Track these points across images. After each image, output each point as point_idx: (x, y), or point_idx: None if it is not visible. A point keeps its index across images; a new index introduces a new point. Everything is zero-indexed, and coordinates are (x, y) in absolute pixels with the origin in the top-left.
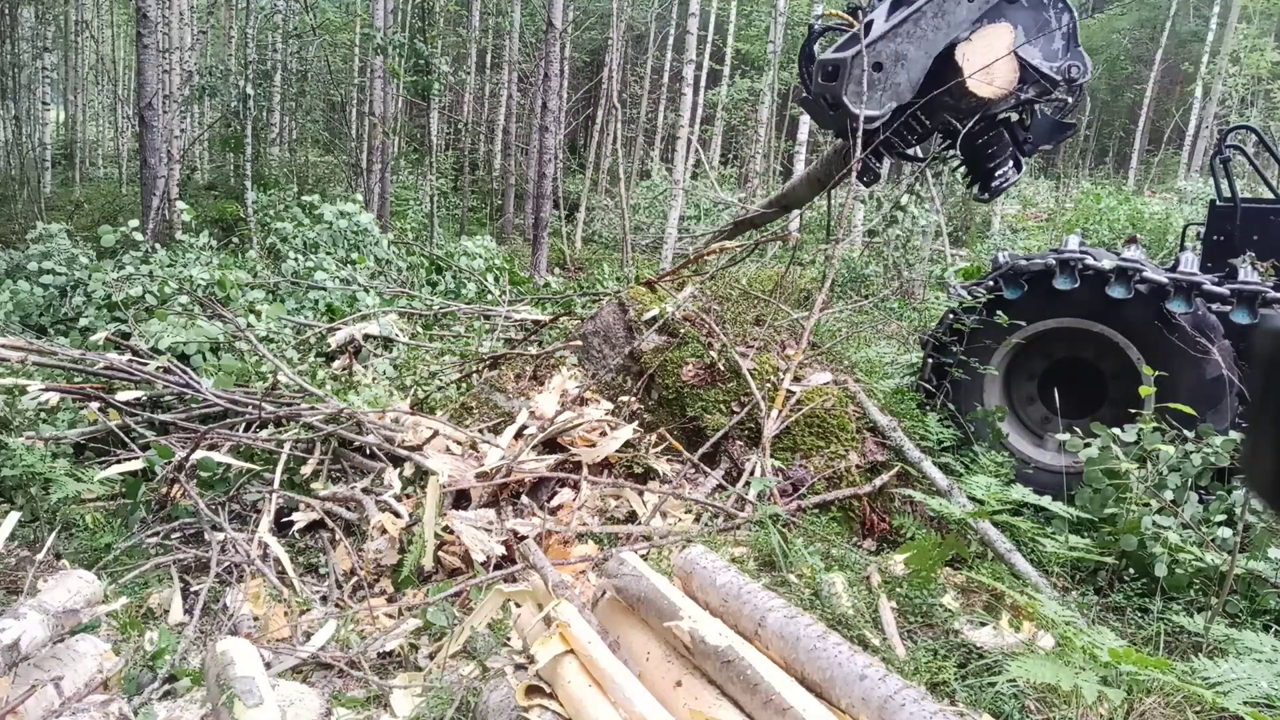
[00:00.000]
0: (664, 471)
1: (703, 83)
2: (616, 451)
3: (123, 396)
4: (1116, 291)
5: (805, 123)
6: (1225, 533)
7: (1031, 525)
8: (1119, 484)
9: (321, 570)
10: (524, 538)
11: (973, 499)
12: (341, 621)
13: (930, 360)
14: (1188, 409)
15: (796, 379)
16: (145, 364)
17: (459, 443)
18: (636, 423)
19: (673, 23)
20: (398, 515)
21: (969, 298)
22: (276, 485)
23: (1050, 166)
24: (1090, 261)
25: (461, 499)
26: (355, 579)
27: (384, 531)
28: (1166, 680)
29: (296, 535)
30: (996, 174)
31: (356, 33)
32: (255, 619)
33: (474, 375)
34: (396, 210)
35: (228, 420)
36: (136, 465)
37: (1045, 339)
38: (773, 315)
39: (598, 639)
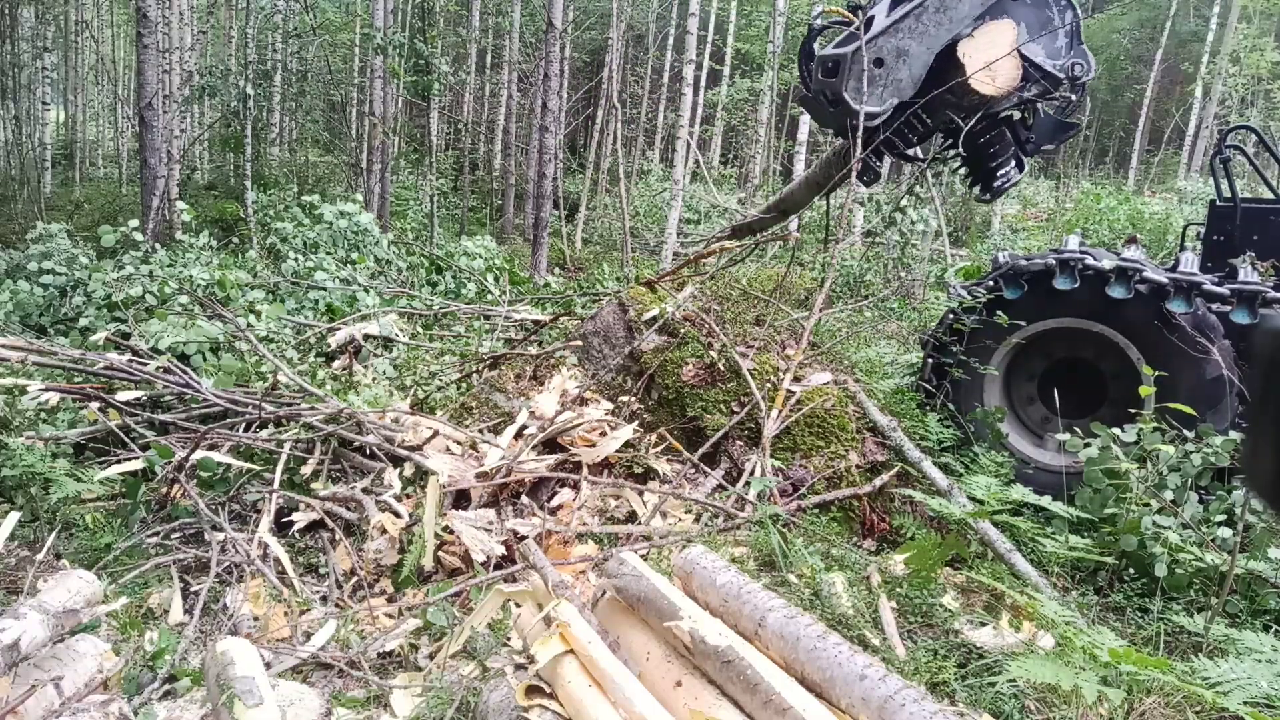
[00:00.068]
0: (664, 471)
1: (703, 83)
2: (616, 451)
3: (123, 396)
4: (1116, 291)
5: (805, 123)
6: (1225, 533)
7: (1031, 525)
8: (1119, 484)
9: (321, 570)
10: (524, 538)
11: (973, 499)
12: (341, 621)
13: (930, 360)
14: (1188, 409)
15: (796, 379)
16: (145, 364)
17: (459, 443)
18: (636, 423)
19: (673, 23)
20: (398, 515)
21: (969, 298)
22: (276, 485)
23: (1050, 166)
24: (1090, 261)
25: (461, 499)
26: (355, 579)
27: (384, 531)
28: (1166, 680)
29: (296, 535)
30: (998, 174)
31: (356, 33)
32: (255, 619)
33: (474, 375)
34: (396, 210)
35: (228, 420)
36: (136, 465)
37: (1045, 339)
38: (773, 315)
39: (598, 639)
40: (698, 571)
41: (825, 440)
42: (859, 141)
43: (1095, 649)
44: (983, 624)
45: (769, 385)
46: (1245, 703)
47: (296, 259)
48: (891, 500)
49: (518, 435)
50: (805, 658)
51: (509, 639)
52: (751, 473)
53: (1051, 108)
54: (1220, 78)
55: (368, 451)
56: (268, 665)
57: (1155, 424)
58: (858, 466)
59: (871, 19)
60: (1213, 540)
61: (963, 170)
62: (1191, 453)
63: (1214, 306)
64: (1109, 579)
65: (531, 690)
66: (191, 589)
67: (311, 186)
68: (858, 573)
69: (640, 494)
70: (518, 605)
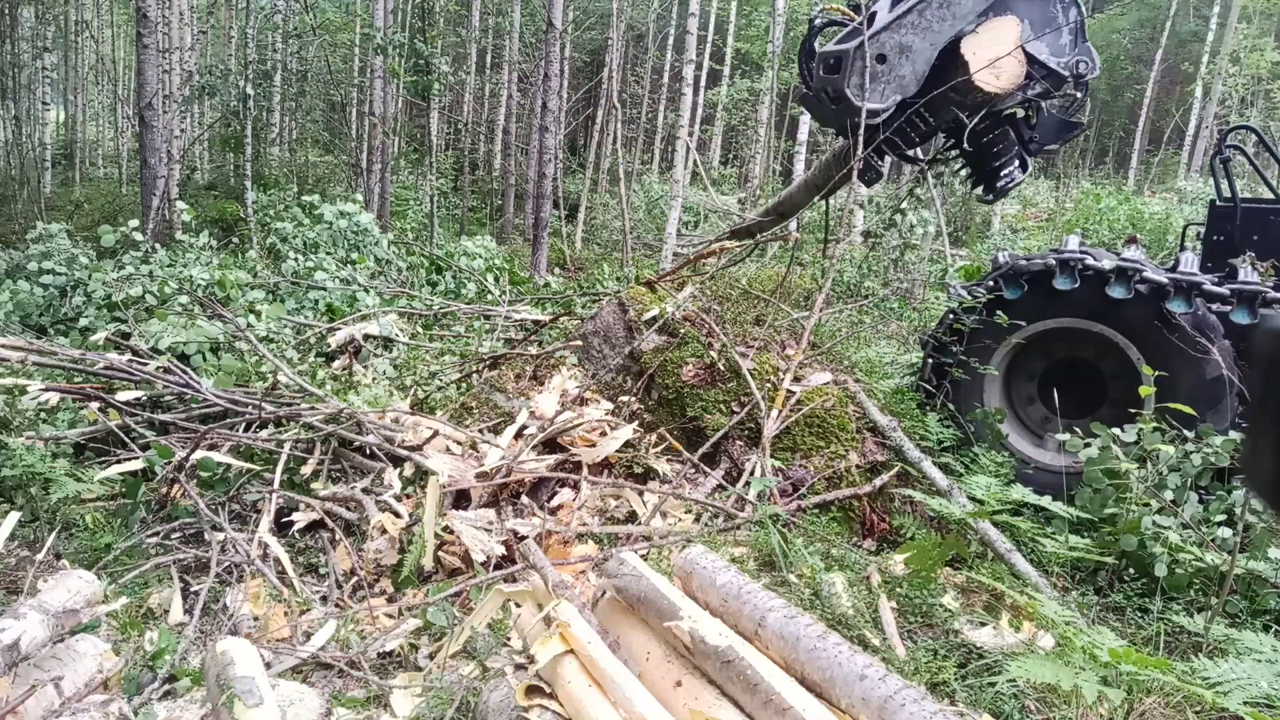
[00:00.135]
0: (664, 471)
1: (703, 83)
2: (616, 451)
3: (123, 396)
4: (1116, 291)
5: (805, 123)
6: (1225, 533)
7: (1031, 525)
8: (1119, 484)
9: (321, 570)
10: (524, 538)
11: (973, 499)
12: (341, 621)
13: (930, 360)
14: (1188, 409)
15: (796, 379)
16: (145, 364)
17: (459, 443)
18: (636, 423)
19: (673, 23)
20: (398, 515)
21: (969, 298)
22: (276, 485)
23: (1050, 166)
24: (1090, 261)
25: (461, 499)
26: (355, 579)
27: (384, 531)
28: (1166, 680)
29: (296, 535)
30: (1002, 174)
31: (356, 33)
32: (255, 619)
33: (474, 375)
34: (396, 210)
35: (228, 420)
36: (136, 465)
37: (1045, 339)
38: (773, 315)
39: (598, 639)
40: (698, 571)
41: (825, 440)
42: (860, 139)
43: (1095, 649)
44: (983, 624)
45: (769, 385)
46: (1245, 703)
47: (296, 259)
48: (891, 500)
49: (518, 435)
50: (805, 658)
51: (509, 639)
52: (751, 473)
53: (1055, 106)
54: (1220, 78)
55: (368, 451)
56: (268, 665)
57: (1155, 424)
58: (858, 466)
59: (873, 15)
60: (1213, 540)
61: (965, 170)
62: (1191, 453)
63: (1214, 306)
64: (1109, 579)
65: (531, 690)
66: (191, 589)
67: (311, 186)
68: (858, 573)
69: (640, 494)
70: (518, 605)
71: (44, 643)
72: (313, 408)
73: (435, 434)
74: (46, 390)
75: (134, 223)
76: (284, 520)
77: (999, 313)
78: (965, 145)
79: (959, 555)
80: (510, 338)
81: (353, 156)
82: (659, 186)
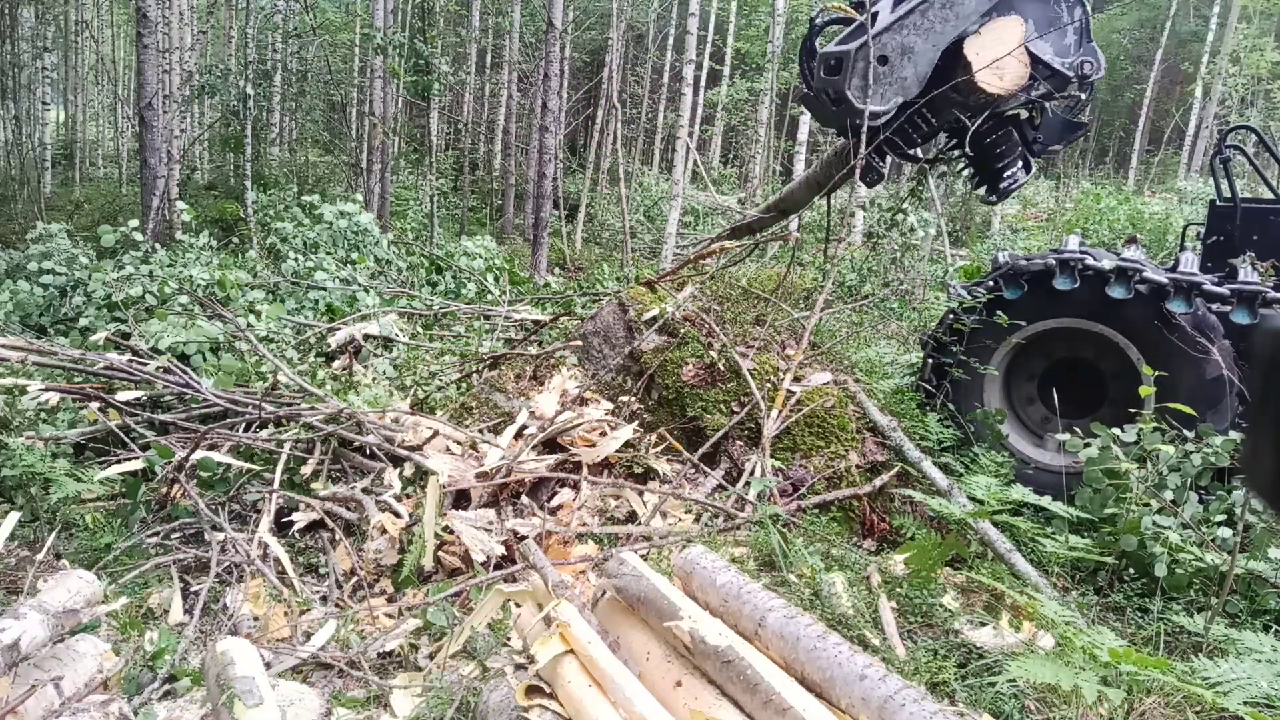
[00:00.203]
0: (664, 471)
1: (703, 83)
2: (616, 451)
3: (123, 396)
4: (1116, 291)
5: (805, 123)
6: (1225, 533)
7: (1031, 525)
8: (1119, 484)
9: (321, 570)
10: (524, 538)
11: (973, 499)
12: (341, 621)
13: (930, 360)
14: (1188, 409)
15: (796, 379)
16: (145, 364)
17: (459, 443)
18: (636, 423)
19: (673, 23)
20: (398, 515)
21: (969, 298)
22: (276, 485)
23: (1050, 166)
24: (1090, 261)
25: (461, 499)
26: (355, 579)
27: (384, 531)
28: (1166, 680)
29: (296, 535)
30: (1005, 175)
31: (356, 33)
32: (255, 619)
33: (474, 375)
34: (396, 210)
35: (228, 420)
36: (136, 465)
37: (1045, 339)
38: (773, 315)
39: (598, 639)
40: (698, 571)
41: (825, 440)
42: (862, 142)
43: (1095, 649)
44: (983, 624)
45: (769, 385)
46: (1245, 703)
47: (296, 259)
48: (891, 500)
49: (518, 435)
50: (805, 658)
51: (509, 639)
52: (751, 473)
53: (1059, 107)
54: (1220, 78)
55: (368, 451)
56: (268, 665)
57: (1155, 424)
58: (858, 466)
59: (875, 15)
60: (1213, 540)
61: (968, 171)
62: (1191, 453)
63: (1214, 306)
64: (1109, 579)
65: (531, 690)
66: (191, 589)
67: (311, 186)
68: (858, 573)
69: (640, 494)
70: (518, 605)
71: (44, 643)
72: (313, 408)
73: (435, 434)
74: (46, 390)
75: (134, 223)
76: (284, 520)
77: (999, 313)
78: (968, 148)
79: (959, 555)
80: (510, 338)
81: (353, 156)
82: (659, 186)
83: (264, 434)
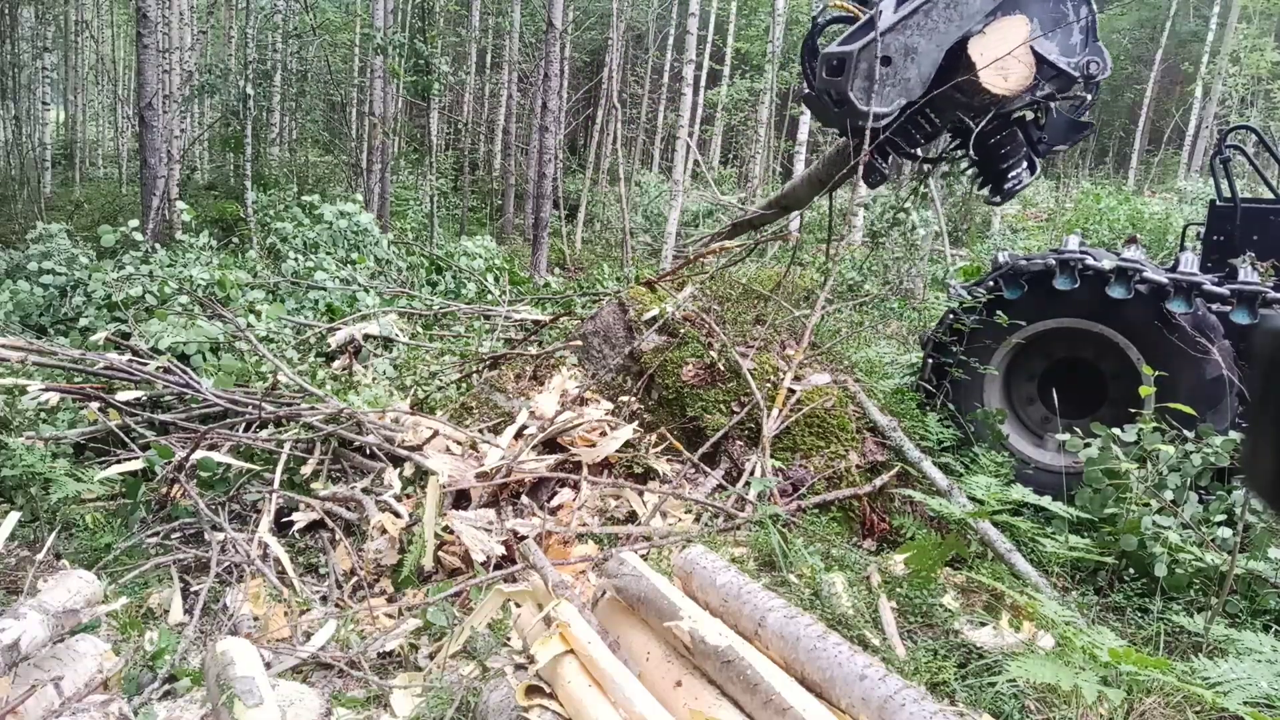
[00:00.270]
0: (664, 471)
1: (703, 83)
2: (616, 451)
3: (123, 396)
4: (1116, 291)
5: (805, 123)
6: (1225, 533)
7: (1031, 525)
8: (1119, 484)
9: (321, 570)
10: (524, 538)
11: (973, 499)
12: (341, 621)
13: (930, 360)
14: (1188, 409)
15: (796, 379)
16: (145, 364)
17: (459, 443)
18: (636, 423)
19: (673, 23)
20: (398, 515)
21: (969, 298)
22: (276, 485)
23: (1050, 166)
24: (1090, 261)
25: (461, 499)
26: (355, 579)
27: (384, 531)
28: (1166, 680)
29: (296, 535)
30: (1009, 176)
31: (356, 33)
32: (255, 619)
33: (474, 375)
34: (396, 210)
35: (228, 420)
36: (136, 465)
37: (1045, 339)
38: (773, 315)
39: (598, 639)
40: (698, 571)
41: (825, 440)
42: (864, 143)
43: (1095, 649)
44: (983, 624)
45: (769, 385)
46: (1245, 703)
47: (296, 259)
48: (891, 500)
49: (518, 435)
50: (805, 658)
51: (509, 639)
52: (751, 473)
53: (1064, 106)
54: (1220, 78)
55: (368, 451)
56: (268, 665)
57: (1155, 424)
58: (858, 466)
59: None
60: (1213, 540)
61: (972, 171)
62: (1191, 453)
63: (1214, 306)
64: (1109, 579)
65: (531, 690)
66: (191, 589)
67: (311, 186)
68: (858, 573)
69: (640, 494)
70: (518, 605)
71: (44, 643)
72: (313, 408)
73: (435, 434)
74: (46, 390)
75: (134, 223)
76: (284, 520)
77: (999, 313)
78: (972, 149)
79: (959, 555)
80: (510, 338)
81: (353, 156)
82: (659, 185)
83: (264, 434)
